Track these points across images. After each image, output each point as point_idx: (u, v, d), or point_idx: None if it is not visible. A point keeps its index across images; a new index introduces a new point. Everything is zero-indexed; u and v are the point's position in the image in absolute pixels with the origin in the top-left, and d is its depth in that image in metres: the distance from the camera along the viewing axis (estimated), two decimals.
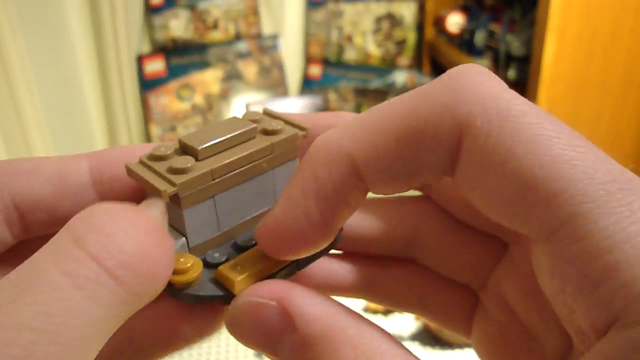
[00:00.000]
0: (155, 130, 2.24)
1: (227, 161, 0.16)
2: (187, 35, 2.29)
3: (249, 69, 2.32)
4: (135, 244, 0.13)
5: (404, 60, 2.24)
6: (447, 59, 1.88)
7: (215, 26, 2.30)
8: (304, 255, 0.15)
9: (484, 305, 0.18)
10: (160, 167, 0.16)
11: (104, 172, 0.17)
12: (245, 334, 0.15)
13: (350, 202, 0.15)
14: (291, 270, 0.16)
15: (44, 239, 0.16)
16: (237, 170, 0.17)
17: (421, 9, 2.17)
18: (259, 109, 0.19)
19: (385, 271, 0.19)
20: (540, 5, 1.28)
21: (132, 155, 0.17)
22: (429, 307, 0.18)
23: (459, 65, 0.14)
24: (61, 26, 2.13)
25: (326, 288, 0.19)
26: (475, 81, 0.13)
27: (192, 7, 2.26)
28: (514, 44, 1.45)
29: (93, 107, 2.37)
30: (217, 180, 0.16)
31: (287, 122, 0.18)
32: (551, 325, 0.15)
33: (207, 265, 0.16)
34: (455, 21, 1.91)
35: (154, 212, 0.15)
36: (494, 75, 0.14)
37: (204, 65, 2.28)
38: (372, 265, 0.19)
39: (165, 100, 2.24)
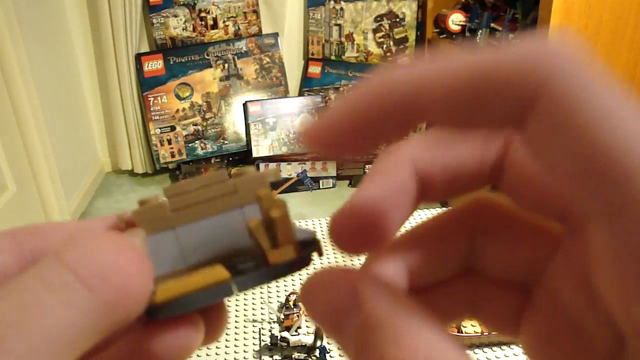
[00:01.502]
0: (154, 129, 2.24)
1: (186, 195, 0.17)
2: (186, 34, 2.28)
3: (249, 68, 2.31)
4: (110, 257, 0.14)
5: (405, 58, 2.23)
6: None
7: (214, 25, 2.30)
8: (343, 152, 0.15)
9: (536, 302, 0.17)
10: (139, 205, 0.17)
11: (34, 259, 0.16)
12: (315, 308, 0.15)
13: (399, 127, 0.15)
14: (226, 289, 0.16)
15: None
16: (199, 205, 0.18)
17: (422, 7, 2.17)
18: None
19: (441, 289, 0.18)
20: (542, 4, 1.27)
21: (65, 236, 0.17)
22: (480, 311, 0.18)
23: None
24: (60, 25, 2.13)
25: None
26: (564, 49, 0.13)
27: (191, 6, 2.25)
28: None
29: (92, 107, 2.37)
30: (177, 212, 0.17)
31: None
32: (603, 322, 0.14)
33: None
34: (456, 20, 1.90)
35: (133, 237, 0.16)
36: (587, 54, 0.13)
37: (203, 64, 2.28)
38: (429, 288, 0.18)
39: (164, 100, 2.23)
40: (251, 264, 0.17)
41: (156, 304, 0.15)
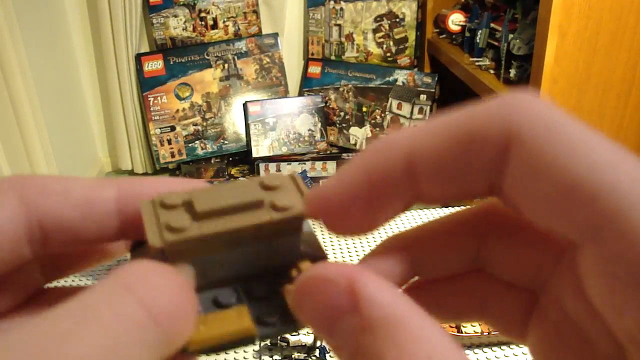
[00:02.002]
0: (154, 129, 2.24)
1: (218, 230, 0.17)
2: (186, 34, 2.28)
3: (249, 68, 2.31)
4: (175, 297, 0.14)
5: (405, 59, 2.24)
6: (448, 58, 1.88)
7: (214, 25, 2.30)
8: (338, 226, 0.16)
9: (543, 307, 0.17)
10: (163, 216, 0.17)
11: (129, 204, 0.18)
12: (306, 309, 0.15)
13: (396, 197, 0.15)
14: (250, 340, 0.16)
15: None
16: (228, 239, 0.17)
17: (422, 7, 2.17)
18: (287, 172, 0.19)
19: (449, 287, 0.19)
20: (542, 4, 1.28)
21: (159, 190, 0.18)
22: (488, 312, 0.18)
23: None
24: (60, 25, 2.13)
25: None
26: (527, 99, 0.14)
27: (191, 6, 2.25)
28: (516, 43, 1.45)
29: (92, 107, 2.37)
30: (207, 243, 0.17)
31: (304, 196, 0.18)
32: (603, 332, 0.14)
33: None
34: (456, 20, 1.90)
35: (186, 274, 0.17)
36: (547, 100, 0.15)
37: (203, 64, 2.28)
38: (438, 284, 0.19)
39: (164, 100, 2.23)
40: (277, 318, 0.17)
41: (185, 346, 0.16)
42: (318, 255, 0.18)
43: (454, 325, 0.89)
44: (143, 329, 0.13)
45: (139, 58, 2.23)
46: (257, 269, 0.18)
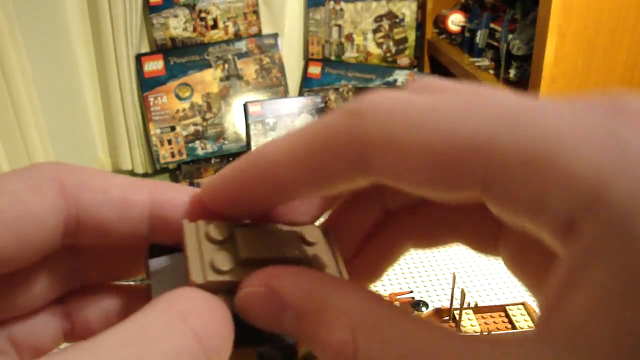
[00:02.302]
0: (154, 129, 2.24)
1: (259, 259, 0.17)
2: (187, 34, 2.29)
3: (249, 69, 2.31)
4: (222, 330, 0.15)
5: (404, 59, 2.24)
6: (448, 58, 1.88)
7: (214, 25, 2.30)
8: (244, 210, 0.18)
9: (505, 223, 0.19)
10: (207, 249, 0.17)
11: (162, 209, 0.18)
12: (253, 319, 0.16)
13: (267, 201, 0.17)
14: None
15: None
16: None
17: (421, 7, 2.17)
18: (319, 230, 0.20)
19: (425, 211, 0.19)
20: (542, 4, 1.28)
21: (190, 197, 0.19)
22: (463, 234, 0.19)
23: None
24: (60, 26, 2.13)
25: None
26: (372, 109, 0.15)
27: (191, 6, 2.25)
28: (515, 43, 1.45)
29: (92, 107, 2.37)
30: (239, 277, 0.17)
31: (337, 261, 0.19)
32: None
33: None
34: (456, 20, 1.90)
35: (225, 306, 0.17)
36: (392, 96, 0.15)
37: (203, 64, 2.28)
38: (415, 213, 0.20)
39: (165, 100, 2.23)
40: (279, 355, 0.17)
41: None
42: None
43: (454, 325, 0.90)
44: (195, 359, 0.14)
45: (139, 58, 2.23)
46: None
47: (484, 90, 0.14)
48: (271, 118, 2.24)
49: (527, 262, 0.18)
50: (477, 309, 0.88)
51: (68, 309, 0.19)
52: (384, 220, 0.20)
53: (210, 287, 0.17)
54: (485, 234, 0.19)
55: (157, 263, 0.19)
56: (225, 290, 0.17)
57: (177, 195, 0.19)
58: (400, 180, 0.14)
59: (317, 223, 0.20)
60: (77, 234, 0.18)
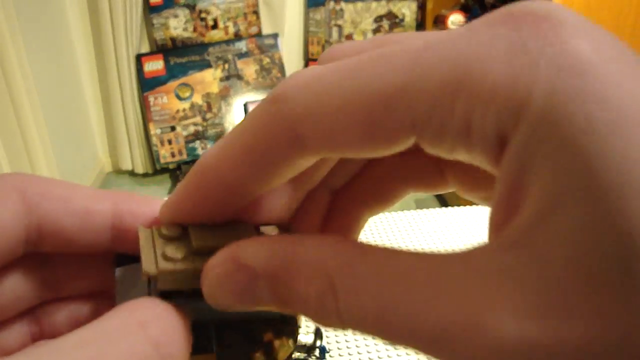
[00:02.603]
0: (154, 129, 2.24)
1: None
2: (187, 34, 2.29)
3: (249, 69, 2.32)
4: (179, 338, 0.16)
5: None
6: None
7: (214, 25, 2.30)
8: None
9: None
10: (160, 246, 0.17)
11: (124, 220, 0.19)
12: (226, 302, 0.16)
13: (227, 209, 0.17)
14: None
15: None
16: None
17: (421, 7, 2.17)
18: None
19: (377, 166, 0.20)
20: None
21: (155, 210, 0.19)
22: (411, 183, 0.20)
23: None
24: (61, 26, 2.13)
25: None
26: (293, 90, 0.15)
27: (191, 7, 2.25)
28: None
29: (92, 107, 2.37)
30: (198, 279, 0.17)
31: None
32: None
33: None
34: (455, 20, 1.90)
35: (187, 315, 0.17)
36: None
37: (203, 64, 2.28)
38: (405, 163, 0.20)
39: (165, 100, 2.24)
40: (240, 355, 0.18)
41: None
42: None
43: None
44: None
45: (139, 58, 2.23)
46: (235, 316, 0.18)
47: (387, 37, 0.15)
48: None
49: (477, 182, 0.18)
50: None
51: (37, 314, 0.20)
52: (335, 200, 0.20)
53: (166, 282, 0.17)
54: (431, 173, 0.19)
55: (122, 272, 0.19)
56: (185, 296, 0.17)
57: (139, 207, 0.19)
58: (337, 146, 0.14)
59: None
60: (40, 242, 0.18)
